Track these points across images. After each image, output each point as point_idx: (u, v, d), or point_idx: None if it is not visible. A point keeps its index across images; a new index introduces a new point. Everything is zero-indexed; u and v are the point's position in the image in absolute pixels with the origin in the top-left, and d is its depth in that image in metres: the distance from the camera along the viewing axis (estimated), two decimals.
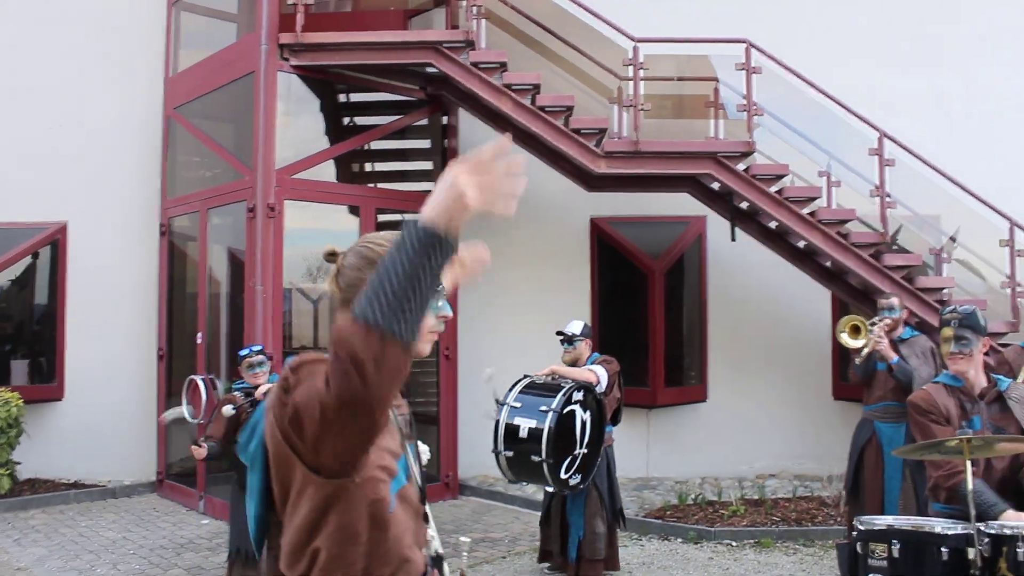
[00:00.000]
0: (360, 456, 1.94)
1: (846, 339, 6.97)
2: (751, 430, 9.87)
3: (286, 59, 8.56)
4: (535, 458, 5.47)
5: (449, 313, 2.15)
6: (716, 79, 8.94)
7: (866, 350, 6.67)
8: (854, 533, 4.07)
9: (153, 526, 8.34)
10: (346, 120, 9.89)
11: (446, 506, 9.13)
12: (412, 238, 1.72)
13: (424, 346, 2.11)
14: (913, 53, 9.92)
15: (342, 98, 9.60)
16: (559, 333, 6.41)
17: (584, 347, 6.38)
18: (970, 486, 3.83)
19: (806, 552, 7.43)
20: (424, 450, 2.74)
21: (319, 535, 1.99)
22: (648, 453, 9.87)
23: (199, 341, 9.14)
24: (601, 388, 5.99)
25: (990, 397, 4.28)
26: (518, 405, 5.60)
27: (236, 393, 5.73)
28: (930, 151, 8.53)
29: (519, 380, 5.87)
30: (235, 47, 9.26)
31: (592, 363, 6.24)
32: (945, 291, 8.49)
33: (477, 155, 1.77)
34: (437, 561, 2.26)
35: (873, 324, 6.80)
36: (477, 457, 9.52)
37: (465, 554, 2.35)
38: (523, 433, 5.53)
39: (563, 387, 5.69)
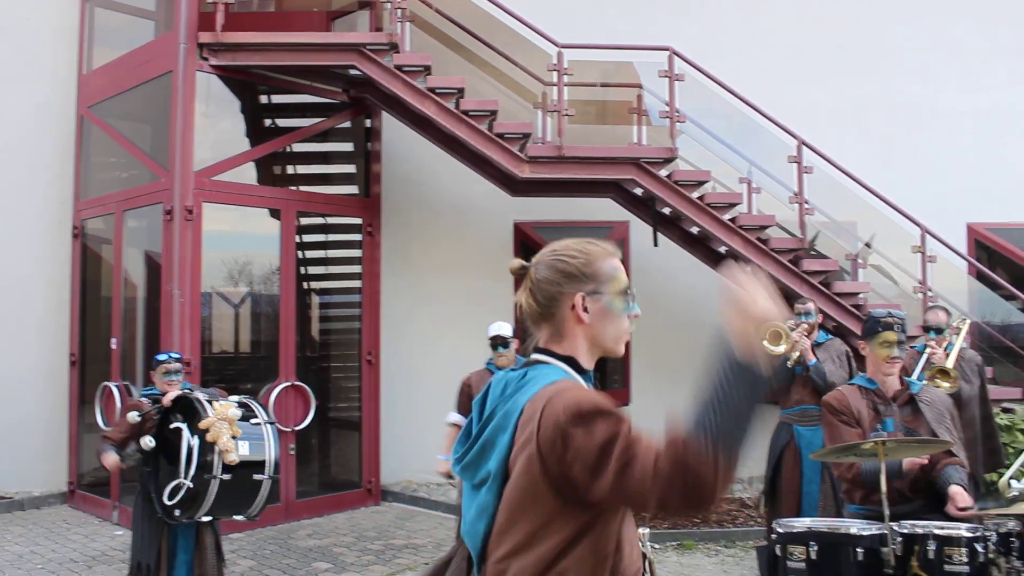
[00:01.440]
0: None
1: (767, 346, 7.02)
2: None
3: (205, 59, 8.38)
4: None
5: (639, 312, 2.27)
6: (640, 86, 9.04)
7: (795, 354, 6.73)
8: (773, 536, 4.12)
9: (63, 539, 8.07)
10: (267, 122, 9.72)
11: (368, 513, 9.03)
12: (751, 380, 1.90)
13: (620, 349, 2.26)
14: (832, 67, 10.17)
15: (263, 99, 9.44)
16: (495, 338, 6.19)
17: (515, 348, 6.28)
18: (883, 487, 3.91)
19: (727, 553, 7.53)
20: None
21: (566, 559, 2.02)
22: None
23: (113, 347, 8.89)
24: None
25: (902, 400, 4.39)
26: None
27: (143, 399, 5.54)
28: (847, 160, 8.74)
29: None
30: (152, 45, 9.03)
31: None
32: (861, 296, 8.69)
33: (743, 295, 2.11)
34: (644, 559, 2.33)
35: (792, 329, 6.90)
36: (399, 463, 9.45)
37: (651, 545, 2.46)
38: None
39: None
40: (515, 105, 9.09)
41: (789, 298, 8.91)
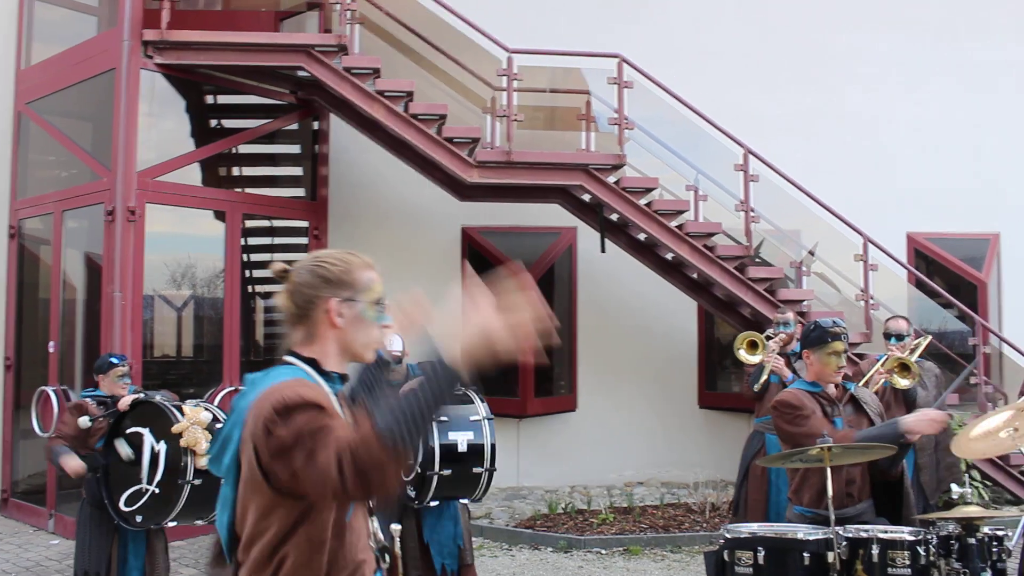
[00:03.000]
0: None
1: (743, 355, 7.00)
2: (620, 439, 10.01)
3: (150, 57, 8.23)
4: (476, 469, 5.16)
5: (390, 324, 2.50)
6: (588, 92, 9.06)
7: (768, 366, 6.73)
8: (721, 541, 4.15)
9: None
10: (213, 122, 9.58)
11: None
12: (443, 377, 2.05)
13: (369, 355, 2.45)
14: (778, 77, 10.31)
15: (209, 99, 9.29)
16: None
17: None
18: (830, 492, 3.97)
19: (673, 558, 7.57)
20: None
21: (286, 545, 2.19)
22: (518, 462, 9.89)
23: (51, 350, 8.68)
24: None
25: (845, 400, 4.52)
26: (446, 419, 5.12)
27: (88, 402, 5.40)
28: (792, 169, 8.87)
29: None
30: (95, 42, 8.85)
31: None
32: (805, 303, 8.82)
33: (505, 295, 2.12)
34: (383, 551, 2.45)
35: (769, 339, 6.92)
36: None
37: (397, 540, 2.62)
38: (462, 447, 5.15)
39: (470, 393, 5.39)
40: (464, 109, 9.08)
41: (735, 304, 9.05)
